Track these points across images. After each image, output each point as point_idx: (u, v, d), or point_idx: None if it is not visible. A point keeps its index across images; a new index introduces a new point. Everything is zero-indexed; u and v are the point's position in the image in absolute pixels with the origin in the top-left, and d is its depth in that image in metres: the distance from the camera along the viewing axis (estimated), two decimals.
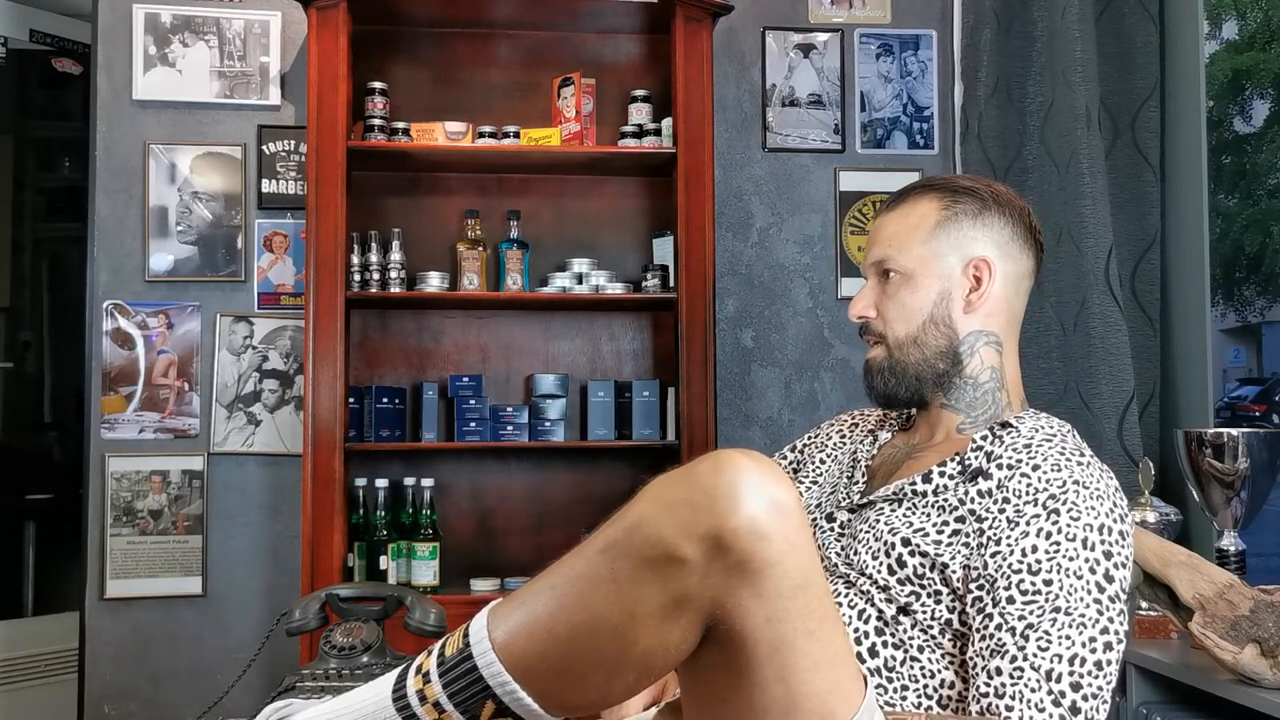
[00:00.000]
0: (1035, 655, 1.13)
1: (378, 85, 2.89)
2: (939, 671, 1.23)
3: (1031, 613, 1.15)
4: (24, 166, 3.66)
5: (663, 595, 0.92)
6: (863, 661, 1.23)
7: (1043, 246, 1.41)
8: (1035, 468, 1.24)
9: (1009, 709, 1.11)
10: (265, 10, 3.04)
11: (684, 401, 2.81)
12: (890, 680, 1.23)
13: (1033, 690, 1.11)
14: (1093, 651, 1.13)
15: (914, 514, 1.28)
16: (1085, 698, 1.11)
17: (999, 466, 1.26)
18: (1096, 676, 1.12)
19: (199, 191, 3.02)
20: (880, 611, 1.25)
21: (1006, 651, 1.14)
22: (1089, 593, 1.15)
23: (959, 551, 1.23)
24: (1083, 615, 1.14)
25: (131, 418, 2.97)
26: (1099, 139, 2.66)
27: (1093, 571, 1.16)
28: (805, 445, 1.57)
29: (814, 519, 1.40)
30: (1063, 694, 1.11)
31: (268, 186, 3.04)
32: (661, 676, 0.97)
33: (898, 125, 3.24)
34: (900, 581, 1.25)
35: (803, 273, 3.20)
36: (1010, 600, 1.16)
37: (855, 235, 3.20)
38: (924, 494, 1.29)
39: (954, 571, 1.22)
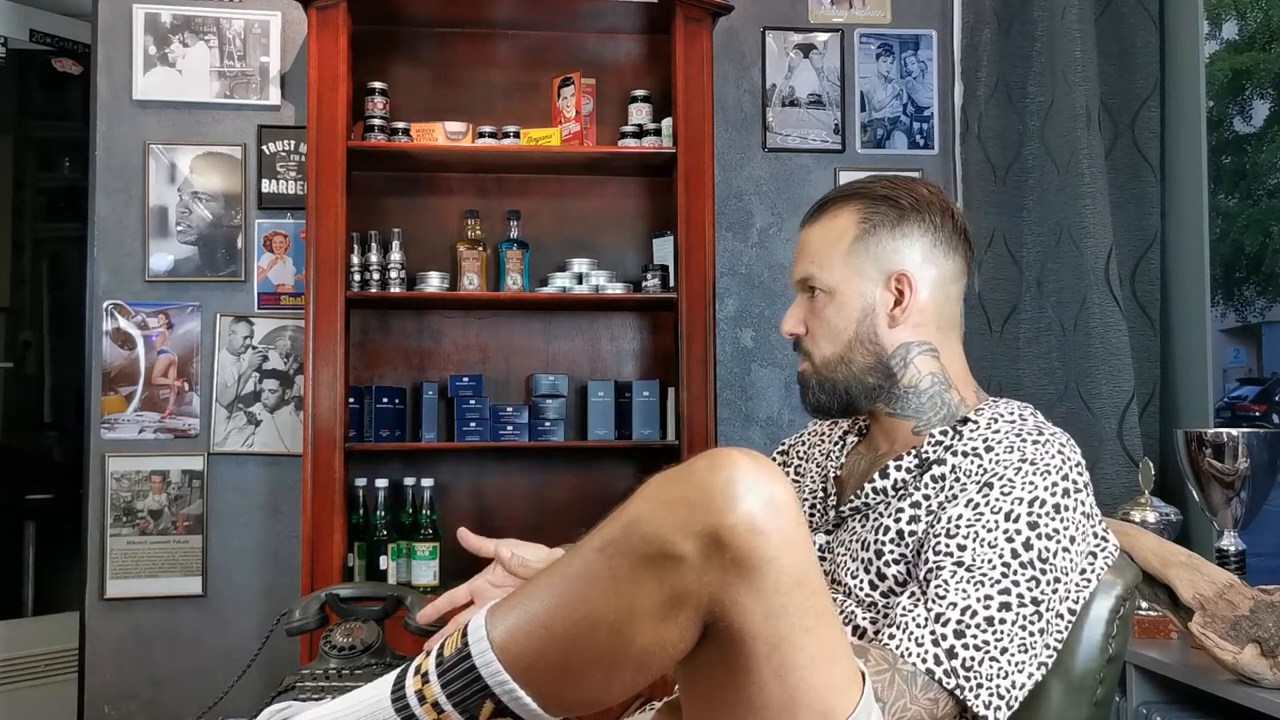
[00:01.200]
0: (931, 601, 1.15)
1: (378, 85, 2.89)
2: None
3: (938, 565, 1.17)
4: (24, 166, 3.66)
5: (660, 593, 0.92)
6: None
7: (972, 245, 1.39)
8: (989, 449, 1.25)
9: (891, 636, 1.14)
10: (265, 10, 3.04)
11: (684, 401, 2.81)
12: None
13: (918, 625, 1.14)
14: (986, 608, 1.14)
15: (881, 519, 1.28)
16: (966, 646, 1.12)
17: (953, 454, 1.27)
18: (985, 631, 1.13)
19: (199, 191, 3.02)
20: (859, 628, 1.26)
21: (912, 594, 1.17)
22: (999, 556, 1.17)
23: (925, 538, 1.23)
24: (984, 574, 1.16)
25: (131, 418, 2.97)
26: (1099, 139, 2.66)
27: (1009, 541, 1.17)
28: (792, 445, 1.57)
29: None
30: (944, 636, 1.13)
31: (268, 186, 3.04)
32: (660, 674, 0.97)
33: (898, 125, 3.24)
34: (884, 594, 1.25)
35: None
36: (926, 562, 1.19)
37: None
38: (883, 490, 1.30)
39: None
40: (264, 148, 3.04)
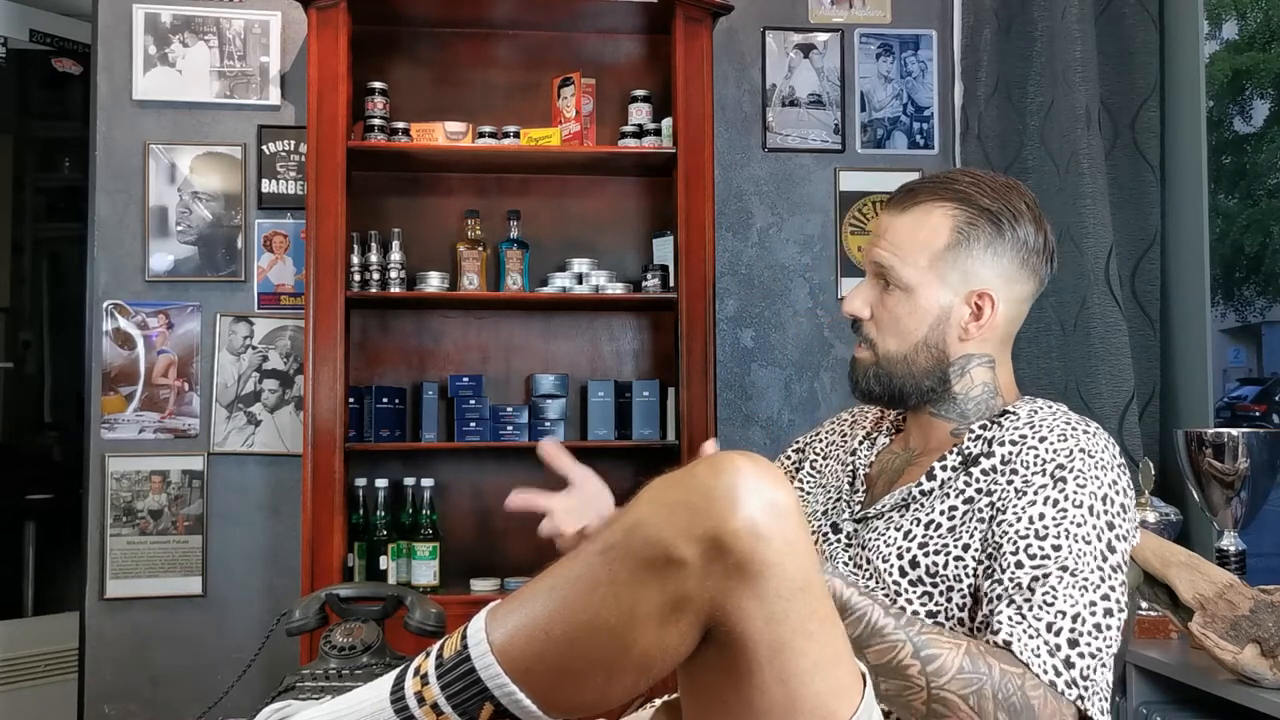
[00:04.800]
0: (1040, 608, 1.14)
1: (378, 85, 2.89)
2: None
3: (1040, 570, 1.17)
4: (24, 166, 3.66)
5: (661, 597, 0.91)
6: None
7: (1054, 264, 1.38)
8: (1042, 439, 1.25)
9: (1006, 642, 1.13)
10: (265, 10, 3.04)
11: (684, 401, 2.81)
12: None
13: (1031, 637, 1.13)
14: (1093, 614, 1.14)
15: (922, 511, 1.28)
16: (1081, 655, 1.13)
17: (1000, 444, 1.27)
18: (1095, 638, 1.14)
19: (199, 191, 3.02)
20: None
21: (1013, 602, 1.16)
22: (1095, 558, 1.17)
23: (975, 529, 1.24)
24: (1087, 579, 1.16)
25: (131, 418, 2.97)
26: (1099, 139, 2.66)
27: (1099, 539, 1.18)
28: (807, 444, 1.56)
29: (819, 527, 1.40)
30: (1058, 647, 1.13)
31: (268, 186, 3.04)
32: (660, 678, 0.97)
33: (898, 125, 3.24)
34: (912, 583, 1.25)
35: (803, 273, 3.20)
36: (1019, 565, 1.18)
37: (855, 235, 3.20)
38: (930, 491, 1.30)
39: (974, 551, 1.23)
40: (264, 148, 3.04)
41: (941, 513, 1.27)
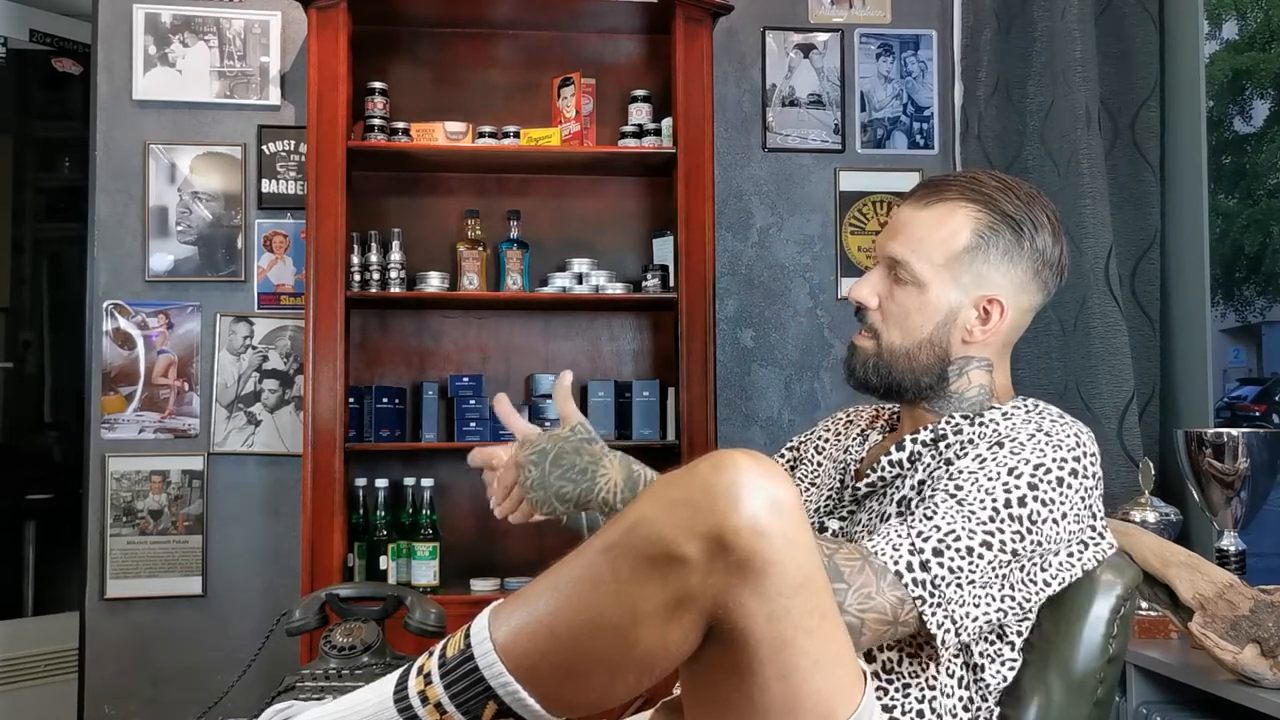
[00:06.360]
0: (917, 520, 1.16)
1: (378, 85, 2.89)
2: (939, 670, 1.23)
3: (931, 496, 1.18)
4: (24, 166, 3.65)
5: (664, 594, 0.92)
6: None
7: (1065, 276, 1.38)
8: (1006, 416, 1.27)
9: (872, 541, 1.15)
10: (265, 10, 3.04)
11: (684, 401, 2.81)
12: (890, 681, 1.23)
13: (898, 535, 1.14)
14: (970, 537, 1.14)
15: (898, 491, 1.29)
16: (941, 565, 1.13)
17: (974, 425, 1.28)
18: (962, 559, 1.13)
19: (199, 191, 3.02)
20: None
21: (900, 516, 1.18)
22: (993, 501, 1.17)
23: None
24: (973, 511, 1.16)
25: (131, 418, 2.97)
26: (1099, 139, 2.66)
27: (1006, 491, 1.17)
28: (802, 442, 1.57)
29: (812, 525, 1.40)
30: (920, 550, 1.13)
31: (268, 186, 3.04)
32: (663, 676, 0.97)
33: (898, 125, 3.24)
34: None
35: (803, 273, 3.20)
36: (922, 500, 1.20)
37: (855, 235, 3.20)
38: (898, 463, 1.30)
39: None
40: (264, 148, 3.04)
41: (912, 488, 1.27)
